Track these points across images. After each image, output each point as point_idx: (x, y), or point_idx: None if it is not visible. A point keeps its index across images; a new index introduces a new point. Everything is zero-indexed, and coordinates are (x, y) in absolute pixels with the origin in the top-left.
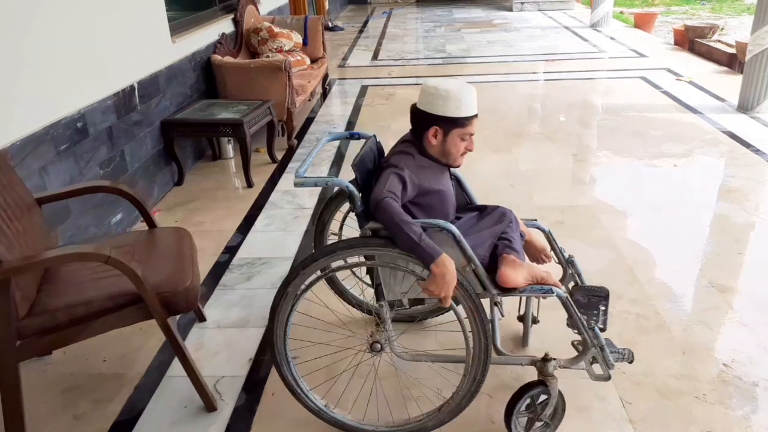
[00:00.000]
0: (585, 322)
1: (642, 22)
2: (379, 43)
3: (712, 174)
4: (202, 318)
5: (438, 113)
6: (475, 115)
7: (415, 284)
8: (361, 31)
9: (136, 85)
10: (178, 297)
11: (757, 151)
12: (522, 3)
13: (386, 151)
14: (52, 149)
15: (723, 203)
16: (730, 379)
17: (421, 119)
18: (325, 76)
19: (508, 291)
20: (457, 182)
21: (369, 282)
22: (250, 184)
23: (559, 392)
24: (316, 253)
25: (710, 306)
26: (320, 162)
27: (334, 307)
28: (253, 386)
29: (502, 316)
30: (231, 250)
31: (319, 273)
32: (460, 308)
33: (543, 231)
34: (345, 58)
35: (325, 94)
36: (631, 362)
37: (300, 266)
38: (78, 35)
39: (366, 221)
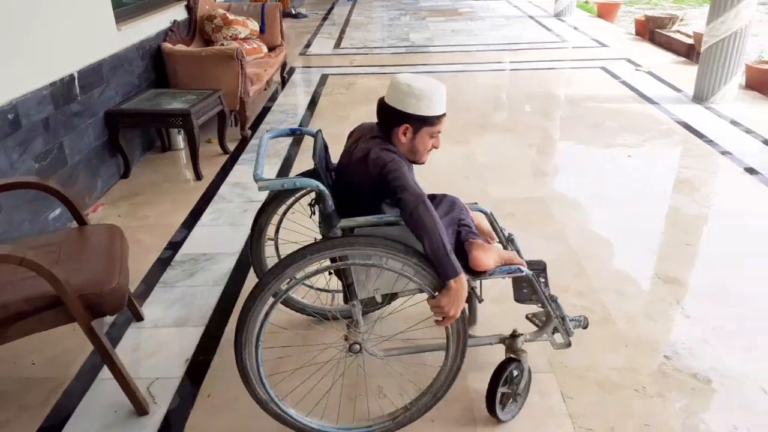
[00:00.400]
0: (548, 296)
1: (605, 12)
2: (343, 31)
3: (665, 165)
4: (139, 317)
5: (409, 111)
6: (444, 114)
7: (387, 279)
8: (325, 19)
9: (76, 75)
10: (103, 298)
11: (709, 141)
12: None
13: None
14: None
15: (674, 195)
16: (670, 372)
17: (390, 115)
18: (284, 65)
19: (479, 274)
20: None
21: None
22: (199, 176)
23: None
24: (285, 259)
25: (656, 298)
26: (270, 154)
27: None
28: (188, 388)
29: (480, 300)
30: (175, 246)
31: (292, 280)
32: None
33: (485, 213)
34: (307, 46)
35: (283, 83)
36: (585, 327)
37: (270, 276)
38: (8, 21)
39: (337, 220)
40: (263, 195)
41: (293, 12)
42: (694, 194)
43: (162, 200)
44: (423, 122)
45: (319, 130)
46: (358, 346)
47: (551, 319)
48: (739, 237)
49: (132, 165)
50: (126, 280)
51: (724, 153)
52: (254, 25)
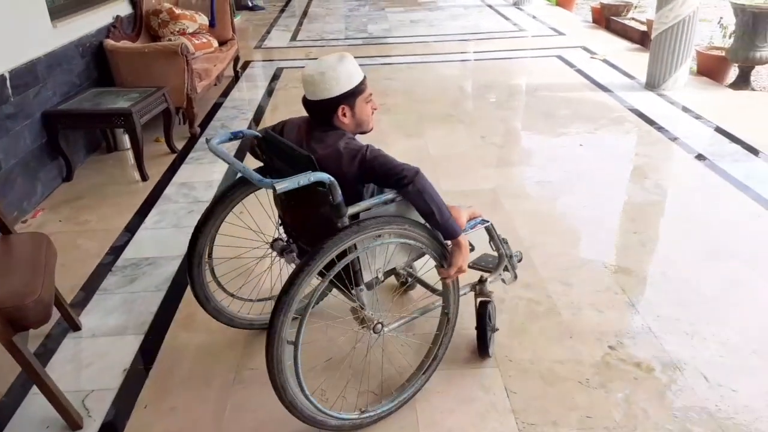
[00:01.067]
0: (501, 239)
1: (564, 1)
2: (300, 23)
3: (615, 153)
4: (76, 327)
5: (336, 94)
6: (364, 76)
7: (392, 255)
8: (282, 11)
9: (7, 75)
10: (25, 311)
11: (660, 128)
12: None
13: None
14: None
15: (624, 183)
16: (613, 362)
17: (322, 107)
18: (236, 59)
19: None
20: None
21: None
22: (144, 177)
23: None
24: (351, 227)
25: (601, 288)
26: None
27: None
28: (125, 399)
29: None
30: (116, 251)
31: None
32: None
33: None
34: (263, 39)
35: (237, 78)
36: (520, 261)
37: (331, 243)
38: None
39: (345, 210)
40: (209, 195)
41: (250, 4)
42: (644, 182)
43: (105, 203)
44: (353, 95)
45: (266, 129)
46: (380, 326)
47: (503, 260)
48: (686, 224)
49: (75, 167)
50: (50, 291)
51: (674, 140)
52: (203, 19)
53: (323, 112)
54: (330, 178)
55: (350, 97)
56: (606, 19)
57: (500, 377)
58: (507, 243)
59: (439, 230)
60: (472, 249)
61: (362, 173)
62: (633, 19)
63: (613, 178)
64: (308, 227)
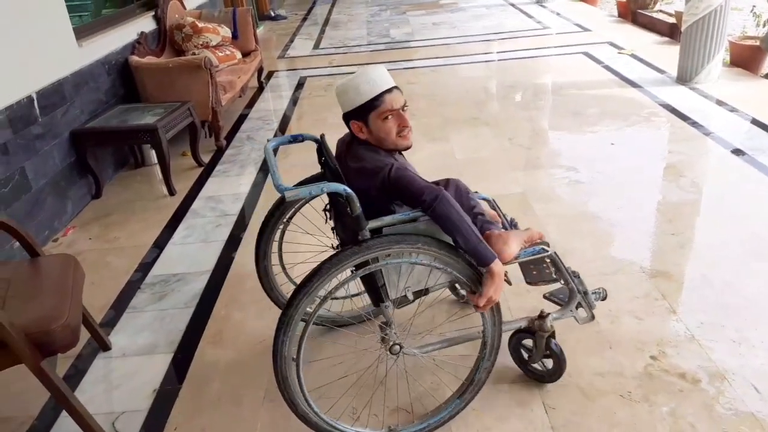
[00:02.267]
0: (570, 272)
1: None
2: (322, 31)
3: (648, 151)
4: (106, 347)
5: (348, 110)
6: (386, 91)
7: (419, 276)
8: (305, 19)
9: (35, 96)
10: (52, 336)
11: (694, 123)
12: None
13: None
14: None
15: (659, 181)
16: (656, 373)
17: (346, 122)
18: (260, 70)
19: (510, 261)
20: None
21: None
22: (171, 192)
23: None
24: (352, 248)
25: (640, 294)
26: (246, 164)
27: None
28: (154, 421)
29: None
30: (145, 267)
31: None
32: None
33: (487, 201)
34: (286, 49)
35: (261, 88)
36: (604, 299)
37: (329, 264)
38: None
39: (365, 223)
40: (237, 208)
41: (272, 14)
42: (680, 180)
43: (134, 219)
44: (363, 111)
45: (322, 135)
46: (398, 347)
47: (575, 295)
48: (725, 223)
49: (104, 184)
50: (78, 315)
51: (709, 135)
52: (226, 32)
53: (348, 126)
54: (346, 189)
55: (359, 113)
56: (632, 13)
57: (538, 393)
58: (579, 277)
59: (469, 255)
60: (509, 283)
61: (385, 191)
62: (660, 11)
63: (646, 177)
64: (346, 236)
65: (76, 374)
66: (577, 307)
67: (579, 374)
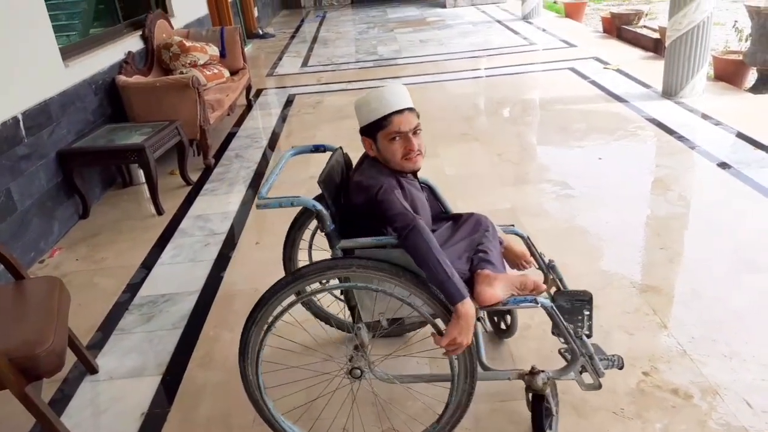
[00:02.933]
0: (572, 331)
1: (572, 11)
2: (310, 49)
3: (636, 165)
4: (93, 370)
5: (362, 125)
6: (397, 111)
7: (393, 304)
8: (293, 37)
9: (20, 117)
10: (37, 361)
11: (680, 137)
12: None
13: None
14: None
15: (646, 195)
16: (648, 389)
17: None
18: (248, 88)
19: (488, 305)
20: (430, 191)
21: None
22: (159, 211)
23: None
24: (287, 277)
25: (630, 309)
26: (234, 182)
27: (310, 326)
28: None
29: (486, 330)
30: (133, 288)
31: (293, 297)
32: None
33: (521, 236)
34: (274, 66)
35: (250, 106)
36: (621, 368)
37: (269, 293)
38: None
39: (337, 240)
40: (225, 227)
41: (260, 32)
42: (667, 194)
43: (121, 239)
44: (373, 129)
45: (340, 147)
46: (359, 371)
47: (576, 357)
48: (713, 237)
49: (91, 204)
50: (63, 339)
51: (695, 148)
52: (214, 50)
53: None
54: (315, 205)
55: (370, 131)
56: (617, 29)
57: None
58: (583, 339)
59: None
60: (486, 331)
61: (370, 210)
62: (645, 27)
63: (634, 192)
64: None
65: (62, 399)
66: (581, 371)
67: (571, 391)
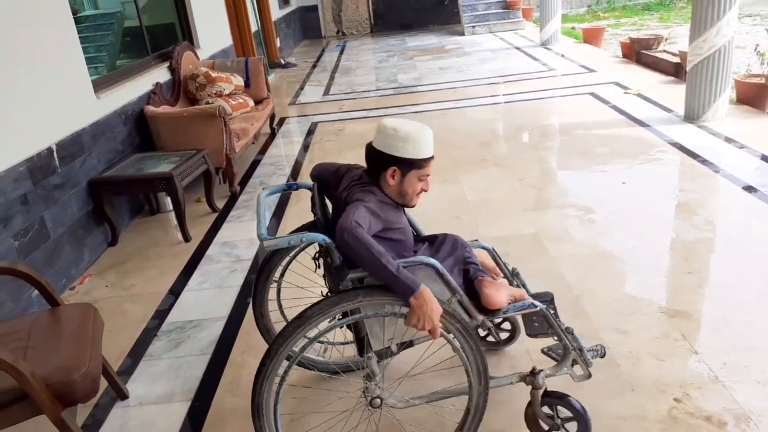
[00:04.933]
0: (564, 329)
1: (590, 37)
2: (332, 77)
3: (660, 190)
4: (123, 396)
5: (397, 155)
6: (432, 157)
7: (401, 328)
8: (314, 66)
9: (54, 147)
10: (73, 386)
11: (704, 161)
12: (473, 26)
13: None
14: None
15: (672, 220)
16: (681, 416)
17: (378, 159)
18: (272, 116)
19: (492, 313)
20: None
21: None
22: (187, 238)
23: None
24: (293, 323)
25: (659, 334)
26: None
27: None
28: None
29: (497, 340)
30: (161, 315)
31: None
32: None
33: (487, 249)
34: (297, 95)
35: (273, 135)
36: (603, 357)
37: (276, 344)
38: None
39: (346, 273)
40: (251, 253)
41: (283, 62)
42: (693, 218)
43: (149, 266)
44: (411, 165)
45: (314, 184)
46: (379, 401)
47: (569, 352)
48: (741, 261)
49: (120, 231)
50: (98, 364)
51: (720, 172)
52: (239, 80)
53: (377, 163)
54: (325, 239)
55: (406, 165)
56: (636, 53)
57: None
58: (573, 334)
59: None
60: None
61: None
62: (665, 51)
63: (659, 216)
64: (332, 284)
65: (93, 424)
66: (572, 365)
67: (600, 418)
